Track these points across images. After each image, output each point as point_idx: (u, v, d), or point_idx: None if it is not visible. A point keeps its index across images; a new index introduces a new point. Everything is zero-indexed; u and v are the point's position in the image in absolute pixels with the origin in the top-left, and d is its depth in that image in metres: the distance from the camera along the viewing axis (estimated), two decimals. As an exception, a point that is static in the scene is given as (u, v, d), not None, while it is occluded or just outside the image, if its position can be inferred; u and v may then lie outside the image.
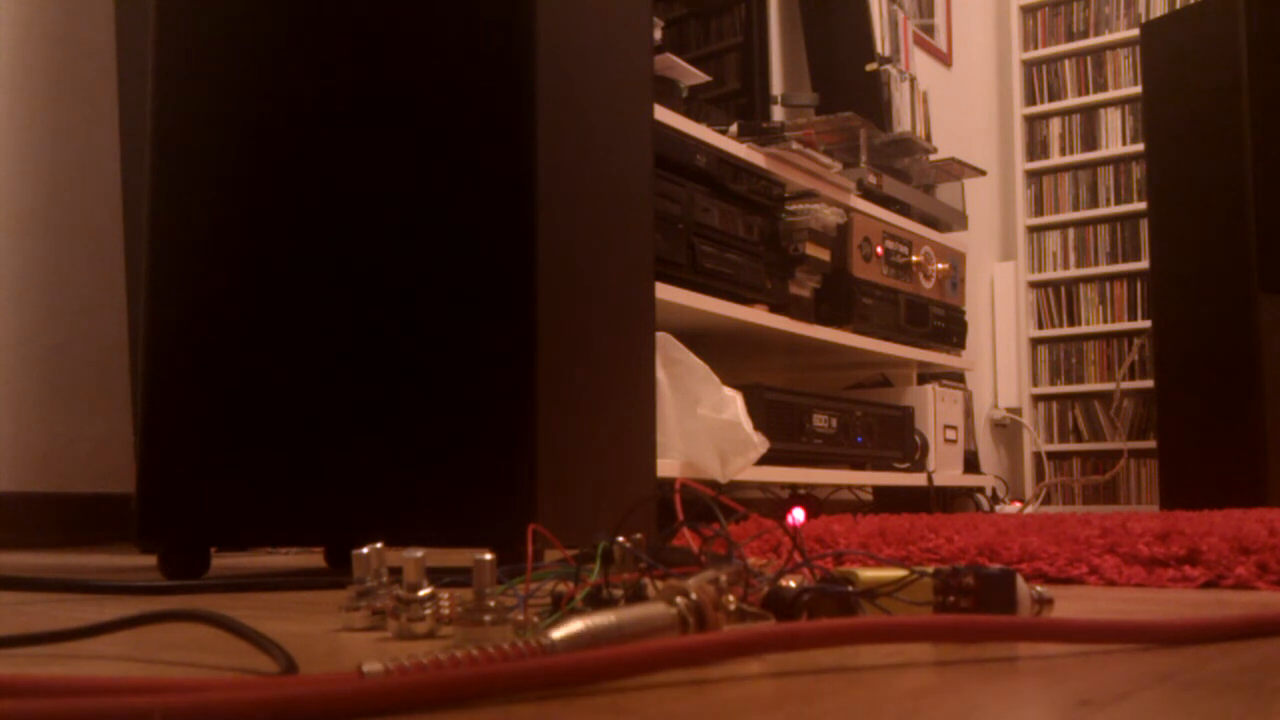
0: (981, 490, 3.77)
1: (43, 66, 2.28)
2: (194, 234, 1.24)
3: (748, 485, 2.89)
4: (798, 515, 1.88)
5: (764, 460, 2.29)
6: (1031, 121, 5.10)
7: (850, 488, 3.34)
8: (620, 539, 0.62)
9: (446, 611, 0.66)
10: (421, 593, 0.65)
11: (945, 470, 3.24)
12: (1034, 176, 5.07)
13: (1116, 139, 4.89)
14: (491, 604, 0.59)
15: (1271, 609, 0.73)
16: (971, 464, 3.69)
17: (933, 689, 0.47)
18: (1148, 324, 4.26)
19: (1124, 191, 4.86)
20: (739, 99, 3.22)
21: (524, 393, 1.10)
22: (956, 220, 3.59)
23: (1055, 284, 4.95)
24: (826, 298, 2.90)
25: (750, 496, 3.10)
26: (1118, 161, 4.89)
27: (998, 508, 3.91)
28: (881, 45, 3.74)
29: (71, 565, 1.55)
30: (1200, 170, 3.38)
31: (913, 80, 3.84)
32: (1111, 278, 4.84)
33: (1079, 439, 4.84)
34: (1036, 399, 4.94)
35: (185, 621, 0.63)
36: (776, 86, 3.58)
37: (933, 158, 3.53)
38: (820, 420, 2.65)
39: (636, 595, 0.59)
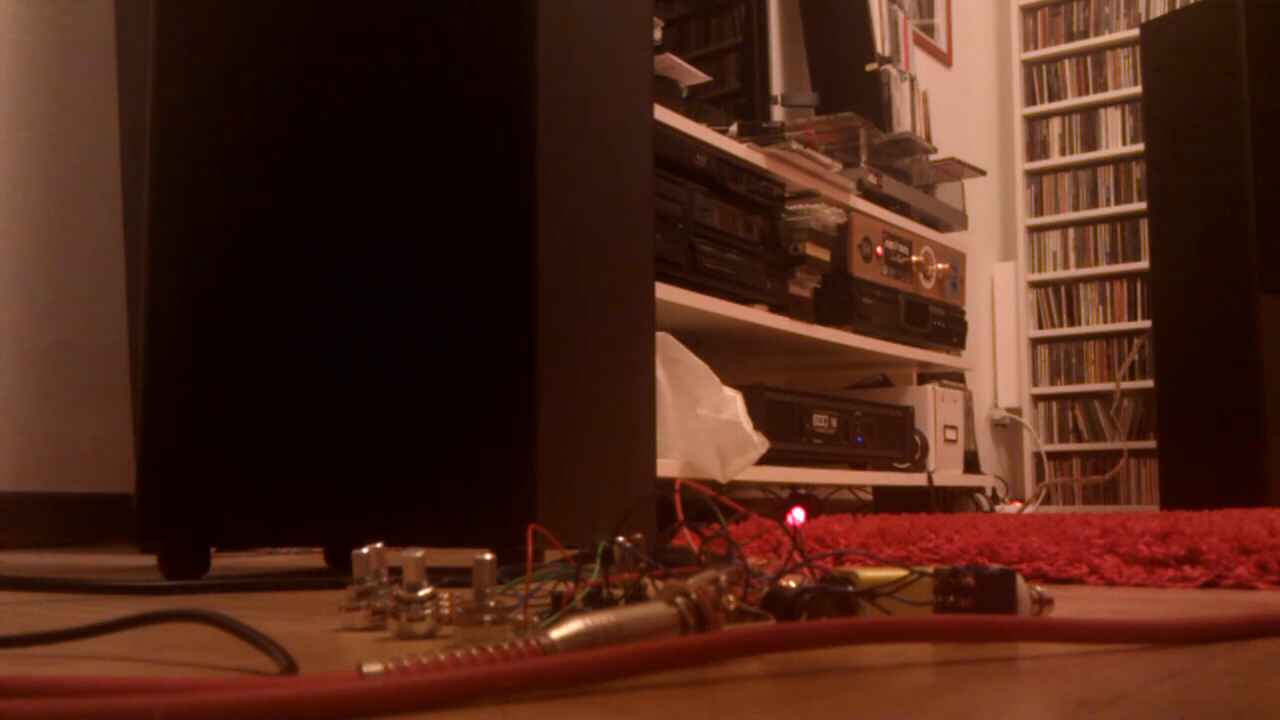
0: (981, 490, 3.77)
1: (42, 66, 2.28)
2: (194, 234, 1.24)
3: (748, 485, 2.89)
4: (798, 515, 1.88)
5: (764, 460, 2.29)
6: (1031, 121, 5.10)
7: (850, 488, 3.34)
8: (620, 539, 0.62)
9: (446, 611, 0.66)
10: (421, 593, 0.65)
11: (945, 470, 3.24)
12: (1034, 176, 5.07)
13: (1116, 139, 4.89)
14: (491, 604, 0.59)
15: (1271, 609, 0.73)
16: (971, 464, 3.69)
17: (933, 689, 0.47)
18: (1148, 324, 4.26)
19: (1124, 191, 4.86)
20: (739, 99, 3.22)
21: (524, 393, 1.10)
22: (956, 220, 3.59)
23: (1055, 284, 4.94)
24: (826, 298, 2.90)
25: (750, 496, 3.10)
26: (1118, 161, 4.88)
27: (998, 508, 3.91)
28: (881, 45, 3.74)
29: (71, 565, 1.55)
30: (1200, 170, 3.38)
31: (913, 80, 3.84)
32: (1111, 278, 4.84)
33: (1079, 439, 4.84)
34: (1036, 399, 4.93)
35: (185, 621, 0.63)
36: (776, 86, 3.57)
37: (933, 158, 3.53)
38: (820, 420, 2.65)
39: (636, 595, 0.59)
